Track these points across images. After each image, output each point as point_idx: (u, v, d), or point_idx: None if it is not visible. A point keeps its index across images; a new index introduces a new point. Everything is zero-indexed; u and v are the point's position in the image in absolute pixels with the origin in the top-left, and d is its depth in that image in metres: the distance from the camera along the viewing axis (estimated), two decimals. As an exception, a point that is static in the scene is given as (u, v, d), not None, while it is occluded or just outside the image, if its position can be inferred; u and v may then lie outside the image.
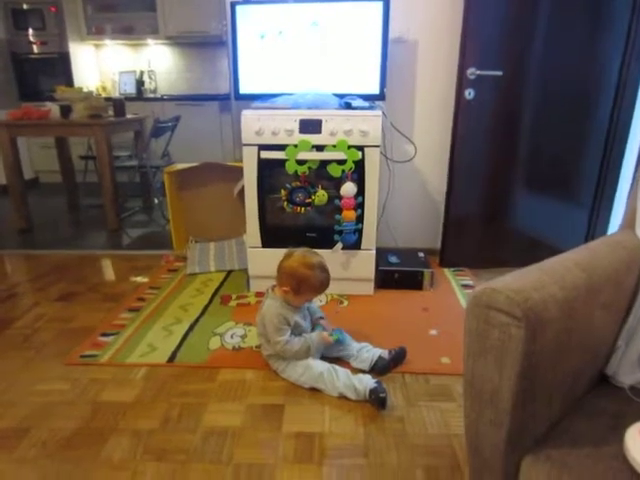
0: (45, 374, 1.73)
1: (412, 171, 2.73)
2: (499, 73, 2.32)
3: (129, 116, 3.66)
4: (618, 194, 2.55)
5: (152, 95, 5.16)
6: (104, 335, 1.99)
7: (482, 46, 2.31)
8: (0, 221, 3.72)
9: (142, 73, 5.17)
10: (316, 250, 1.74)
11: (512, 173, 2.57)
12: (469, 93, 2.34)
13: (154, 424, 1.47)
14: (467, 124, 2.42)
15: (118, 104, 3.51)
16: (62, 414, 1.52)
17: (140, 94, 5.12)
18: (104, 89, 5.24)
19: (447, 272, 2.66)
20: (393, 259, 2.50)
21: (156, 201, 3.96)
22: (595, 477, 0.70)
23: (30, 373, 1.74)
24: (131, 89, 5.15)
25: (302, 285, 1.63)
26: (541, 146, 2.51)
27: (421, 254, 2.58)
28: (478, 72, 2.31)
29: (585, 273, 0.80)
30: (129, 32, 4.99)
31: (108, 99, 3.88)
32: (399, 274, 2.42)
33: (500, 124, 2.46)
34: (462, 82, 2.33)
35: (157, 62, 5.23)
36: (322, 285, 1.67)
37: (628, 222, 1.06)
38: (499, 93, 2.38)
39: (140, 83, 5.15)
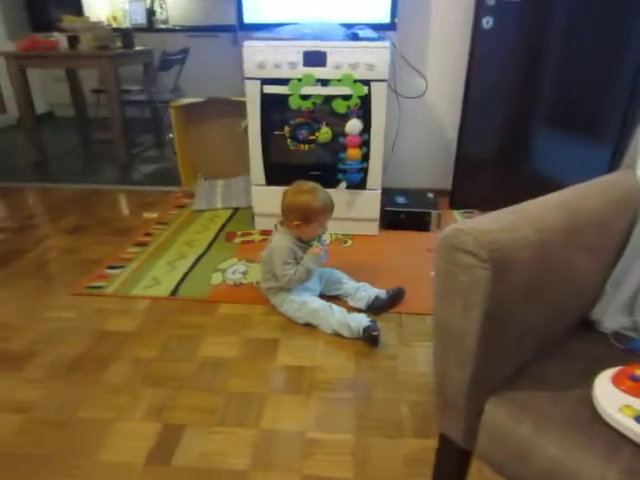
0: (53, 302, 1.81)
1: (423, 107, 2.61)
2: (521, -2, 2.15)
3: (138, 48, 3.55)
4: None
5: (163, 26, 4.98)
6: (111, 268, 2.04)
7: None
8: (16, 154, 3.76)
9: (153, 2, 4.96)
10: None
11: (532, 109, 2.44)
12: (487, 22, 2.18)
13: (153, 353, 1.53)
14: (484, 56, 2.27)
15: (126, 35, 3.41)
16: (68, 340, 1.59)
17: (151, 24, 4.94)
18: (115, 19, 5.07)
19: (456, 214, 2.62)
20: (401, 199, 2.46)
21: (168, 137, 3.92)
22: (554, 419, 0.71)
23: (39, 301, 1.82)
24: (142, 19, 4.97)
25: (308, 213, 1.62)
26: (565, 80, 2.35)
27: (430, 195, 2.53)
28: (498, -2, 2.14)
29: (565, 214, 0.77)
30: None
31: (117, 30, 3.76)
32: (405, 215, 2.38)
33: (521, 56, 2.30)
34: (479, 9, 2.17)
35: (168, -11, 5.00)
36: (326, 205, 1.65)
37: (629, 161, 1.00)
38: (520, 21, 2.22)
39: (151, 13, 4.96)
